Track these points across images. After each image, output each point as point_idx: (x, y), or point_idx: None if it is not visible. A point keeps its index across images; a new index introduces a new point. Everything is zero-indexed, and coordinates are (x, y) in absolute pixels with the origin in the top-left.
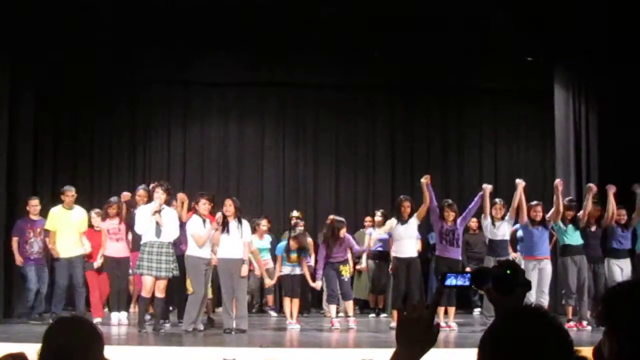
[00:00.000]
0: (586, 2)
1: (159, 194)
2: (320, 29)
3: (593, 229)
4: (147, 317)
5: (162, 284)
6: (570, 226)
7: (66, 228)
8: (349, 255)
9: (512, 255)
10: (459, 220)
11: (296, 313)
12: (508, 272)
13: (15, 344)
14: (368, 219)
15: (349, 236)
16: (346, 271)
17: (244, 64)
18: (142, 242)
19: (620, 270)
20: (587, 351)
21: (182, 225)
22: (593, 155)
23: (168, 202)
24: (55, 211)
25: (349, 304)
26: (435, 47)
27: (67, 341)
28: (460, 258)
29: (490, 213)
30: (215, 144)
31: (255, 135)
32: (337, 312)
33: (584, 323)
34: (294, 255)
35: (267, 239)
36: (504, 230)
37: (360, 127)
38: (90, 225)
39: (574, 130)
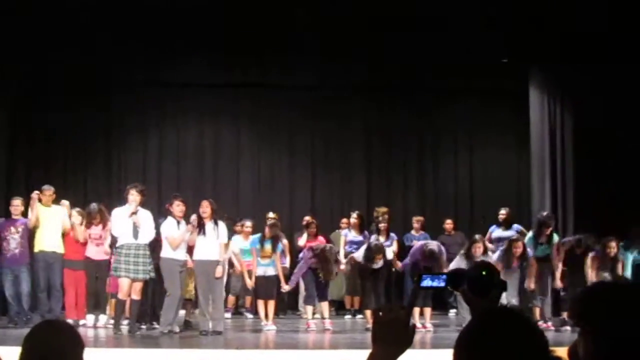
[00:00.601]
0: (561, 4)
1: (134, 196)
2: (294, 30)
3: None
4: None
5: (138, 286)
6: (541, 247)
7: (47, 224)
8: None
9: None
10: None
11: (272, 314)
12: (484, 273)
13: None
14: (344, 220)
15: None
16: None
17: (219, 66)
18: (118, 244)
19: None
20: (562, 351)
21: None
22: (568, 157)
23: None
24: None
25: (325, 305)
26: (410, 49)
27: (47, 346)
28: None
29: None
30: (191, 146)
31: (231, 136)
32: (313, 314)
33: (549, 323)
34: (268, 247)
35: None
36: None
37: (336, 128)
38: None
39: (549, 132)
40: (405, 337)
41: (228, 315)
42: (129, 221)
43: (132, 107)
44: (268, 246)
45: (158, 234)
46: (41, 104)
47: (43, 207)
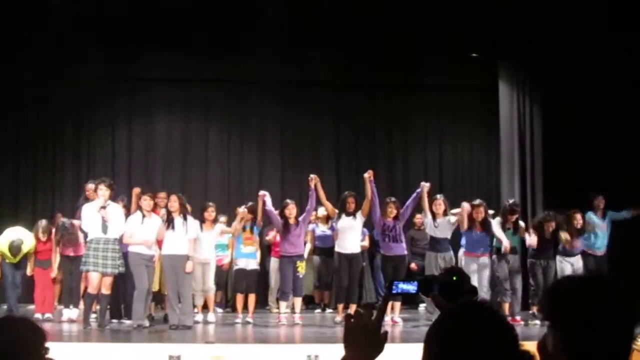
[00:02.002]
0: None
1: (103, 191)
2: (264, 25)
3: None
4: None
5: (107, 280)
6: (509, 231)
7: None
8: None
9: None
10: (399, 216)
11: (252, 308)
12: (454, 278)
13: None
14: (313, 213)
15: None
16: (302, 268)
17: (189, 60)
18: (88, 239)
19: (571, 265)
20: (531, 345)
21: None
22: (537, 151)
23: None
24: (3, 247)
25: (298, 300)
26: (380, 42)
27: (5, 342)
28: (405, 253)
29: (431, 209)
30: (160, 140)
31: (200, 131)
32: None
33: (518, 318)
34: (246, 230)
35: (227, 236)
36: (444, 228)
37: (305, 122)
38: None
39: (517, 126)
40: (375, 344)
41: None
42: (98, 216)
43: (101, 102)
44: (247, 229)
45: None
46: (9, 97)
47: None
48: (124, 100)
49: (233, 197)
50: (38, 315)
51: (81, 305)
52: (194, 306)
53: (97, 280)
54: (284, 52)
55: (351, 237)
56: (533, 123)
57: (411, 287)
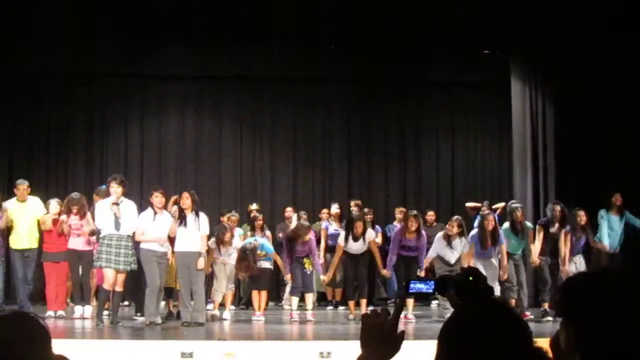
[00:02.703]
0: None
1: (115, 188)
2: (277, 22)
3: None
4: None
5: (120, 277)
6: (512, 236)
7: (21, 221)
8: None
9: None
10: (422, 234)
11: (264, 305)
12: (470, 278)
13: None
14: (324, 211)
15: (313, 240)
16: (309, 264)
17: (201, 57)
18: (101, 235)
19: (575, 264)
20: (543, 342)
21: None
22: (550, 147)
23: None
24: (9, 206)
25: (309, 297)
26: (392, 39)
27: (6, 338)
28: (416, 253)
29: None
30: (173, 138)
31: (213, 128)
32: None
33: (527, 313)
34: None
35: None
36: (459, 251)
37: (317, 120)
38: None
39: (530, 123)
40: (392, 343)
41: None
42: (111, 212)
43: (114, 98)
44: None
45: None
46: (23, 93)
47: (17, 202)
48: (137, 96)
49: (245, 193)
50: (50, 313)
51: (94, 302)
52: (213, 303)
53: (112, 277)
54: (296, 49)
55: (357, 251)
56: (546, 119)
57: (428, 287)
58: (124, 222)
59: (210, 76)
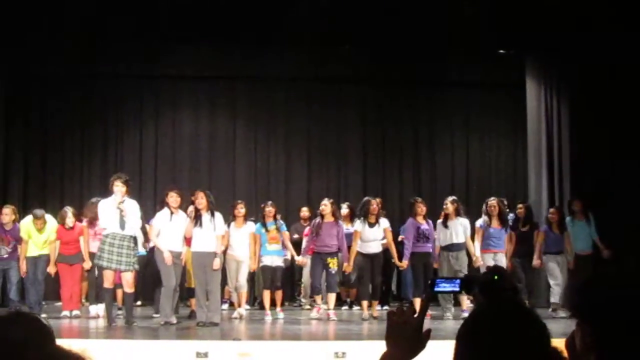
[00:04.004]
0: None
1: (119, 187)
2: (290, 22)
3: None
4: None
5: (129, 277)
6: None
7: (35, 239)
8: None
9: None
10: (429, 221)
11: (279, 303)
12: (495, 277)
13: None
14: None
15: (342, 227)
16: (334, 264)
17: (216, 57)
18: (104, 233)
19: (557, 263)
20: (558, 342)
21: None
22: (565, 147)
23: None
24: (26, 224)
25: (331, 297)
26: (406, 39)
27: (6, 338)
28: (431, 251)
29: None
30: (187, 137)
31: (227, 128)
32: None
33: None
34: (272, 228)
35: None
36: (457, 232)
37: (332, 119)
38: (62, 223)
39: (545, 122)
40: (417, 341)
41: (225, 306)
42: (116, 211)
43: (129, 98)
44: (272, 228)
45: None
46: (38, 95)
47: (36, 233)
48: (151, 96)
49: (260, 193)
50: (66, 313)
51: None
52: (231, 302)
53: (112, 276)
54: (310, 49)
55: (373, 244)
56: (561, 119)
57: (453, 286)
58: (128, 221)
59: (224, 76)
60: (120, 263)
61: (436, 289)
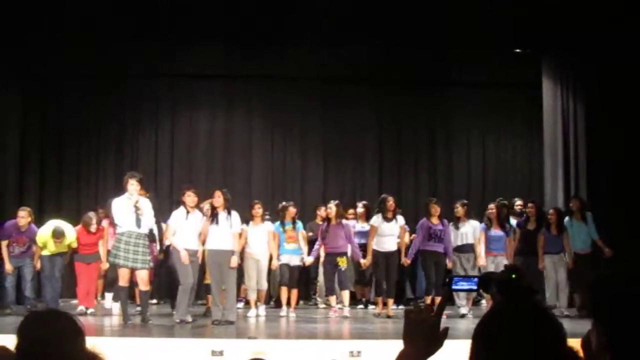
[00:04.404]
0: None
1: (135, 185)
2: (306, 21)
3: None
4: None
5: (144, 275)
6: None
7: (51, 248)
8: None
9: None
10: (444, 221)
11: (294, 303)
12: (513, 276)
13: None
14: (351, 211)
15: (350, 224)
16: (343, 262)
17: (232, 57)
18: (119, 232)
19: (553, 264)
20: (574, 342)
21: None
22: (581, 147)
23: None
24: (44, 236)
25: (345, 294)
26: (422, 38)
27: (42, 334)
28: (442, 251)
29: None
30: (203, 136)
31: (243, 127)
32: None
33: None
34: (289, 228)
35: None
36: (467, 234)
37: (348, 118)
38: (86, 227)
39: (561, 122)
40: (435, 339)
41: (240, 305)
42: (132, 209)
43: (145, 97)
44: (289, 227)
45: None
46: (54, 96)
47: (52, 245)
48: (168, 96)
49: (276, 192)
50: (82, 308)
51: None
52: (246, 301)
53: (127, 274)
54: (325, 48)
55: (390, 238)
56: (577, 119)
57: (471, 284)
58: (144, 219)
59: (240, 75)
60: (136, 261)
61: (454, 286)
